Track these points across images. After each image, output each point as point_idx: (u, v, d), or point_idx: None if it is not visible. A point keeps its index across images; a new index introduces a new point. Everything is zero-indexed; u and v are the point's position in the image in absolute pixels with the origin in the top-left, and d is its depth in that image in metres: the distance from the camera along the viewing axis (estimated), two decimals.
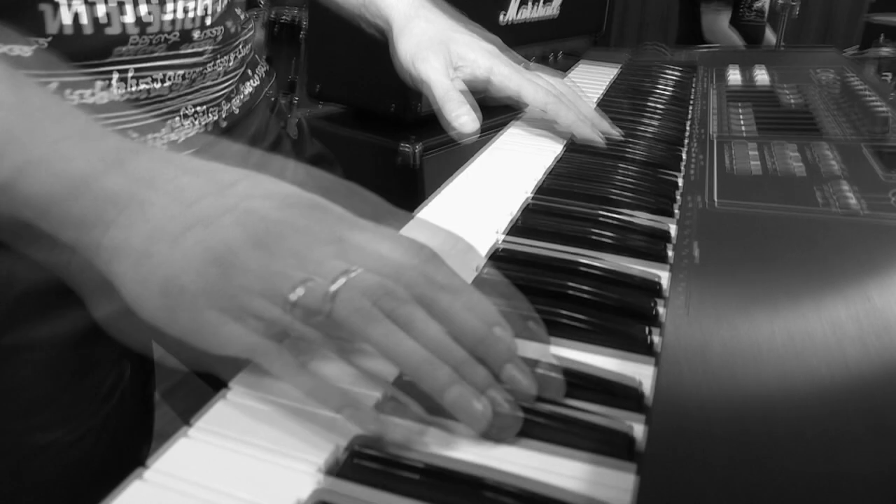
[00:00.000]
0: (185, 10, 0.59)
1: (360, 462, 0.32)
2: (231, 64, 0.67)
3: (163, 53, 0.58)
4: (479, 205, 0.61)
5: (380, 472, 0.31)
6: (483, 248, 0.52)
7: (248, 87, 0.73)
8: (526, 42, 2.04)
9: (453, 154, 1.60)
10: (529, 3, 2.02)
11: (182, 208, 0.37)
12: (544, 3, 2.08)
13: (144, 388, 0.67)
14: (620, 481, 0.31)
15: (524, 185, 0.65)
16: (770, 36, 2.97)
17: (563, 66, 1.27)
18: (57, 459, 0.59)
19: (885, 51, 2.34)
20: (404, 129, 1.68)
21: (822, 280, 0.45)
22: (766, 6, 2.94)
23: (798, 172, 0.64)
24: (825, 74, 1.04)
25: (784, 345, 0.38)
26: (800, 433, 0.32)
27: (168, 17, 0.57)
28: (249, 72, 0.73)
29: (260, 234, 0.36)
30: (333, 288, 0.34)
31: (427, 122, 1.73)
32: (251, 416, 0.34)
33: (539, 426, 0.34)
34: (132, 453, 0.65)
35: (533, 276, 0.47)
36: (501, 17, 1.93)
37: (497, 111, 0.82)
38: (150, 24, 0.56)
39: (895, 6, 2.87)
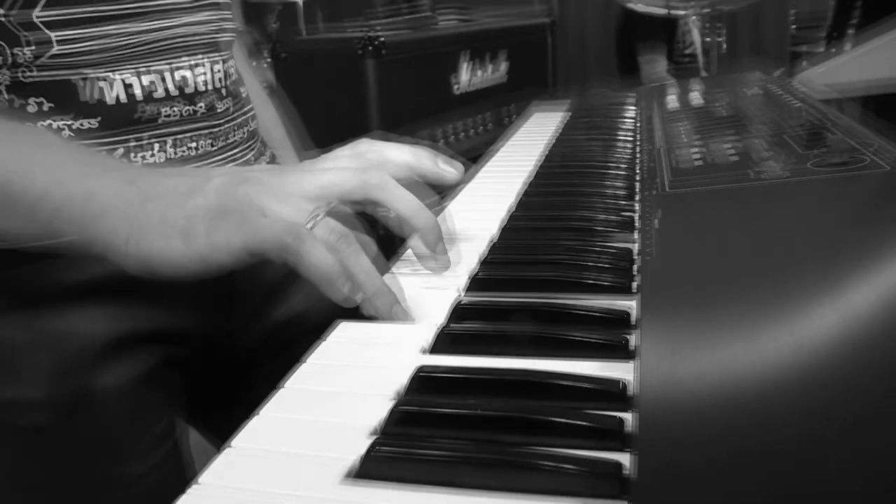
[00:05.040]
0: (213, 72, 0.71)
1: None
2: (245, 135, 0.77)
3: (200, 114, 0.70)
4: (467, 221, 0.72)
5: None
6: (475, 252, 0.63)
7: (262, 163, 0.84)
8: (481, 108, 2.20)
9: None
10: (479, 72, 2.18)
11: (179, 197, 0.52)
12: (492, 71, 2.24)
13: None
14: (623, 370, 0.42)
15: (499, 208, 0.76)
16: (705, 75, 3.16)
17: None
18: (126, 492, 0.67)
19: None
20: None
21: (755, 220, 0.56)
22: (698, 49, 3.14)
23: (733, 159, 0.75)
24: (750, 90, 1.18)
25: (727, 269, 0.49)
26: (736, 360, 0.42)
27: (201, 77, 0.70)
28: (262, 148, 0.84)
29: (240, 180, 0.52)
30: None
31: None
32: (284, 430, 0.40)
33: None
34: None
35: (530, 249, 0.58)
36: (455, 87, 2.09)
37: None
38: (187, 85, 0.69)
39: (813, 36, 3.09)
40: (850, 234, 0.54)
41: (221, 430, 0.43)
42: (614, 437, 0.34)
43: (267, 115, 0.92)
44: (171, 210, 0.52)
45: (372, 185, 0.54)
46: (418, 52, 1.95)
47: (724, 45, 2.48)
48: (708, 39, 2.54)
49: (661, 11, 2.74)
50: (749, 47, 3.18)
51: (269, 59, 2.35)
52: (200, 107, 0.70)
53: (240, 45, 0.87)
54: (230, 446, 0.37)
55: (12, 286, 0.63)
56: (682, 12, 2.65)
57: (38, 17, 0.61)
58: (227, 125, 0.73)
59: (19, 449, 0.64)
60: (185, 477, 0.72)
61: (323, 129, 1.94)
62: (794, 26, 3.10)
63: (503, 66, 2.25)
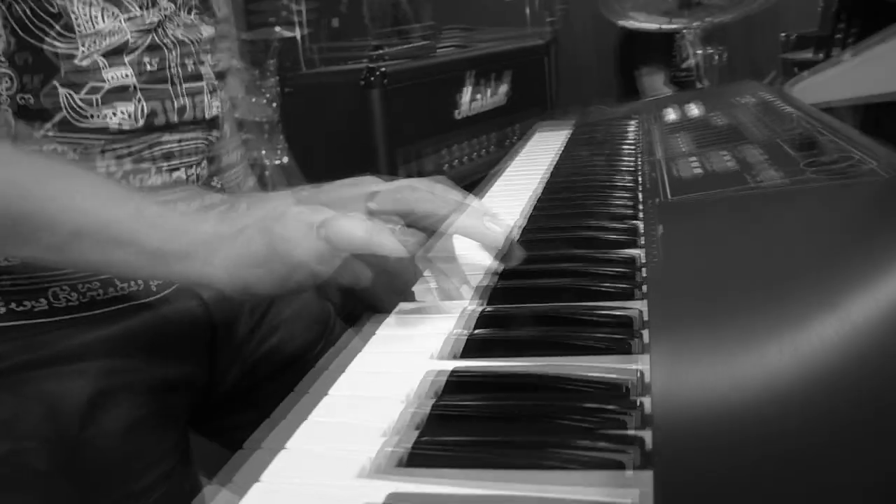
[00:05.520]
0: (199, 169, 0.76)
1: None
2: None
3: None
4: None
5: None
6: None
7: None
8: (482, 131, 2.24)
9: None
10: (479, 97, 2.23)
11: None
12: (492, 94, 2.29)
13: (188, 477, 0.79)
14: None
15: (508, 223, 0.80)
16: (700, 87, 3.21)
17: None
18: None
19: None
20: None
21: (753, 222, 0.60)
22: (697, 62, 3.19)
23: (732, 168, 0.79)
24: (746, 99, 1.22)
25: (728, 271, 0.53)
26: (721, 333, 0.46)
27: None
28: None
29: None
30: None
31: None
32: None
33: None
34: None
35: (542, 261, 0.62)
36: (457, 112, 2.13)
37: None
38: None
39: (804, 44, 3.14)
40: (846, 231, 0.57)
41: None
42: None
43: None
44: (254, 238, 0.57)
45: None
46: (419, 80, 1.99)
47: (718, 58, 2.54)
48: (699, 52, 2.59)
49: (654, 27, 2.80)
50: (742, 59, 3.24)
51: (267, 96, 2.40)
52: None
53: (238, 84, 0.92)
54: (285, 448, 0.41)
55: (6, 356, 0.67)
56: (675, 27, 2.71)
57: (46, 133, 0.66)
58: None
59: (28, 490, 0.68)
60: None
61: (329, 160, 1.99)
62: (783, 34, 3.15)
63: (503, 90, 2.30)
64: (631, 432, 0.36)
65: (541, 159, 1.13)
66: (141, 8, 0.70)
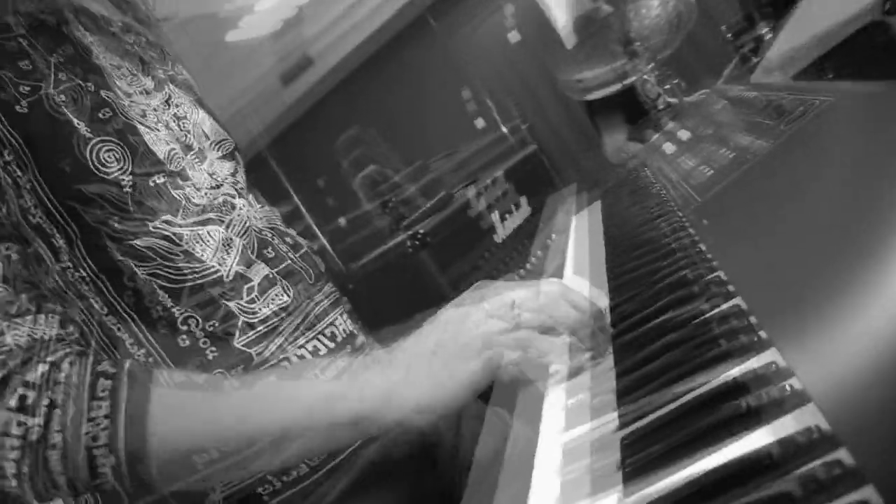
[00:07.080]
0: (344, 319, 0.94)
1: None
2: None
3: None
4: None
5: None
6: None
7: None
8: (524, 241, 2.45)
9: None
10: (508, 217, 2.44)
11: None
12: (516, 208, 2.51)
13: None
14: None
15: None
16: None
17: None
18: None
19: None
20: None
21: (771, 183, 0.77)
22: (669, 95, 3.37)
23: (731, 156, 0.97)
24: (721, 104, 1.41)
25: (778, 202, 0.70)
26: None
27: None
28: None
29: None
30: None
31: None
32: None
33: None
34: None
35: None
36: (495, 237, 2.34)
37: None
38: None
39: (748, 26, 3.35)
40: (835, 153, 0.74)
41: None
42: None
43: None
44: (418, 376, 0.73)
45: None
46: (452, 226, 2.22)
47: (683, 83, 2.75)
48: (668, 87, 2.81)
49: (616, 87, 3.03)
50: (699, 67, 3.46)
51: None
52: (348, 348, 0.92)
53: None
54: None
55: None
56: (633, 78, 2.94)
57: (238, 342, 0.80)
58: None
59: None
60: None
61: (401, 320, 2.18)
62: (723, 27, 3.37)
63: (523, 200, 2.52)
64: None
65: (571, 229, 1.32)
66: (221, 213, 0.83)
